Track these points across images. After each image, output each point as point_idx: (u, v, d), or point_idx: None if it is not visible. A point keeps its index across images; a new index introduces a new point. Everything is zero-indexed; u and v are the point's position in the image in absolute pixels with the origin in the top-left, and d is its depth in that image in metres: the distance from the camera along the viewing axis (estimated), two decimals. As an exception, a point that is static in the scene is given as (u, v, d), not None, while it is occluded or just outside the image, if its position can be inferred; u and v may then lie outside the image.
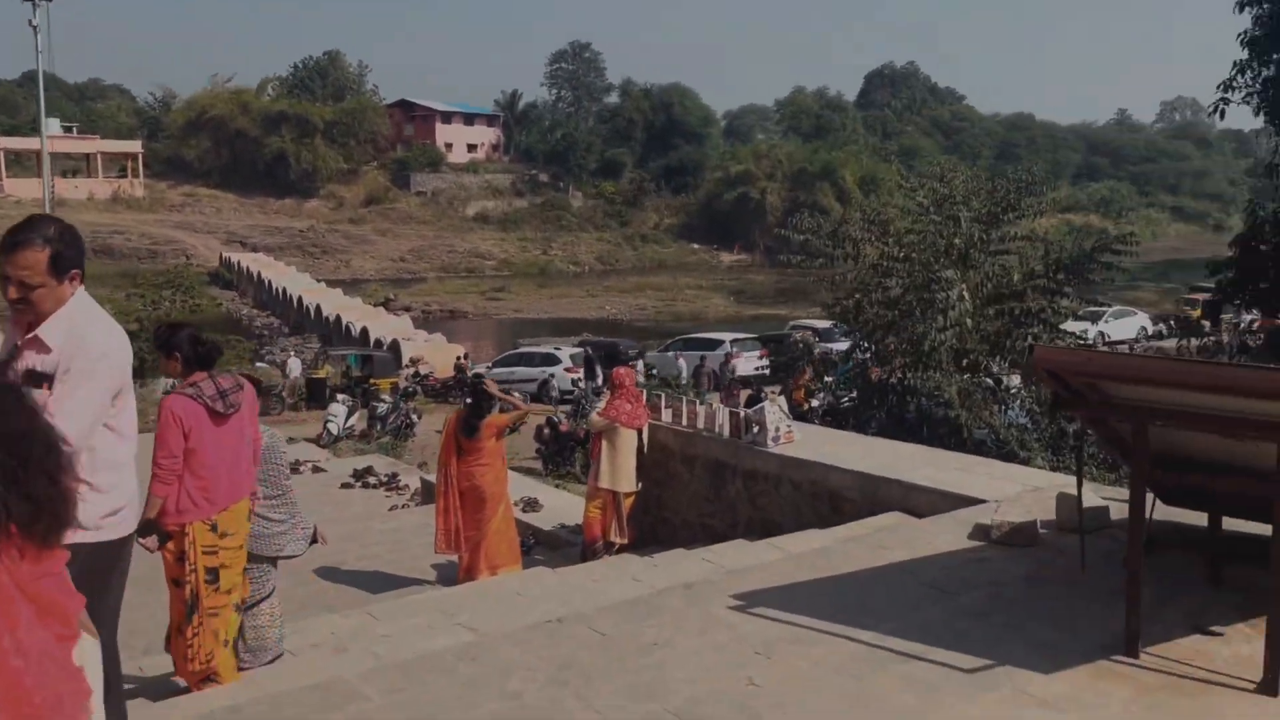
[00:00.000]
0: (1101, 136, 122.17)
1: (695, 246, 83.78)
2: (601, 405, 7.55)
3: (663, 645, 3.88)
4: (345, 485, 12.35)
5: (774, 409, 6.99)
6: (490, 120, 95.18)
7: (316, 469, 13.56)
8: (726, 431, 7.30)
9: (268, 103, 79.52)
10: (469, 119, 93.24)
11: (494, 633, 4.55)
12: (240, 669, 5.01)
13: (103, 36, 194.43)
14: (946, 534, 5.01)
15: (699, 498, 7.52)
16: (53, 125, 77.15)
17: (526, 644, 3.97)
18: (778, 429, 6.94)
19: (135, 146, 76.08)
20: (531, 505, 9.78)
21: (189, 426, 4.65)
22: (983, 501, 5.52)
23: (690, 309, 55.39)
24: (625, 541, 7.43)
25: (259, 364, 32.52)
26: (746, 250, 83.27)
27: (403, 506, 11.08)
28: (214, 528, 4.74)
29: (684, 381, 23.88)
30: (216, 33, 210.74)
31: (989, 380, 11.93)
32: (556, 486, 12.48)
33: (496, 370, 27.93)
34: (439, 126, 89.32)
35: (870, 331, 12.67)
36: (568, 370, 26.59)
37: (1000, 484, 5.91)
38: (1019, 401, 12.12)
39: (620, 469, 7.35)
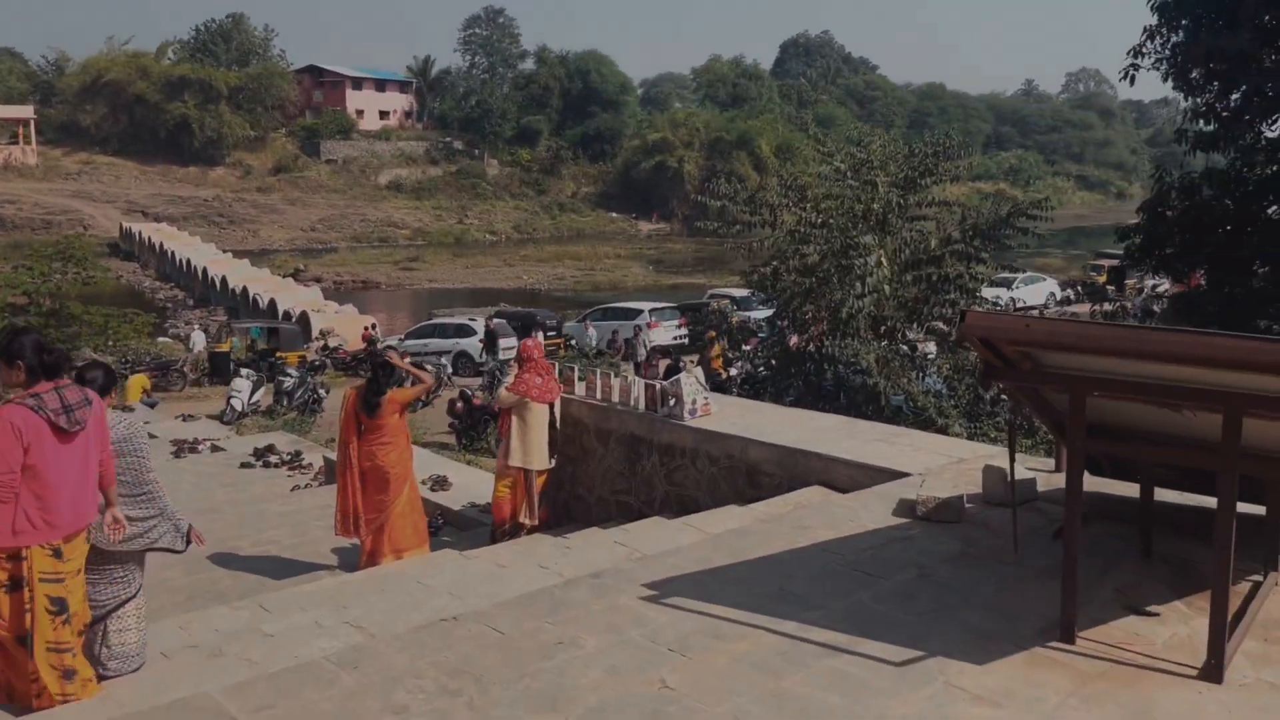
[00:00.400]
0: (1010, 106, 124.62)
1: (613, 215, 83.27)
2: (510, 379, 7.14)
3: (567, 644, 3.54)
4: (245, 465, 11.73)
5: (690, 380, 6.67)
6: (402, 87, 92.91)
7: (215, 448, 12.89)
8: (642, 404, 6.97)
9: (168, 67, 76.23)
10: (380, 85, 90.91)
11: (384, 634, 4.17)
12: (102, 678, 4.53)
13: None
14: (870, 511, 4.76)
15: (614, 474, 7.19)
16: (-68, 88, 73.38)
17: (418, 647, 3.58)
18: (694, 401, 6.63)
19: (27, 112, 72.29)
20: (440, 484, 9.34)
21: (29, 440, 4.20)
22: (906, 475, 5.29)
23: (609, 278, 54.95)
24: (535, 523, 7.06)
25: (161, 338, 31.17)
26: (665, 219, 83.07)
27: (305, 486, 10.53)
28: (57, 553, 4.28)
29: (596, 351, 23.46)
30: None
31: (906, 347, 11.83)
32: (468, 463, 12.04)
33: (410, 342, 27.18)
34: (349, 93, 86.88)
35: (788, 299, 12.47)
36: (482, 341, 26.00)
37: (923, 456, 5.69)
38: (935, 369, 12.07)
39: (531, 446, 6.95)
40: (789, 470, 5.89)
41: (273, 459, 11.85)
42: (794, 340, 12.11)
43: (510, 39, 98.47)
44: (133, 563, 5.03)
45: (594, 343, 26.26)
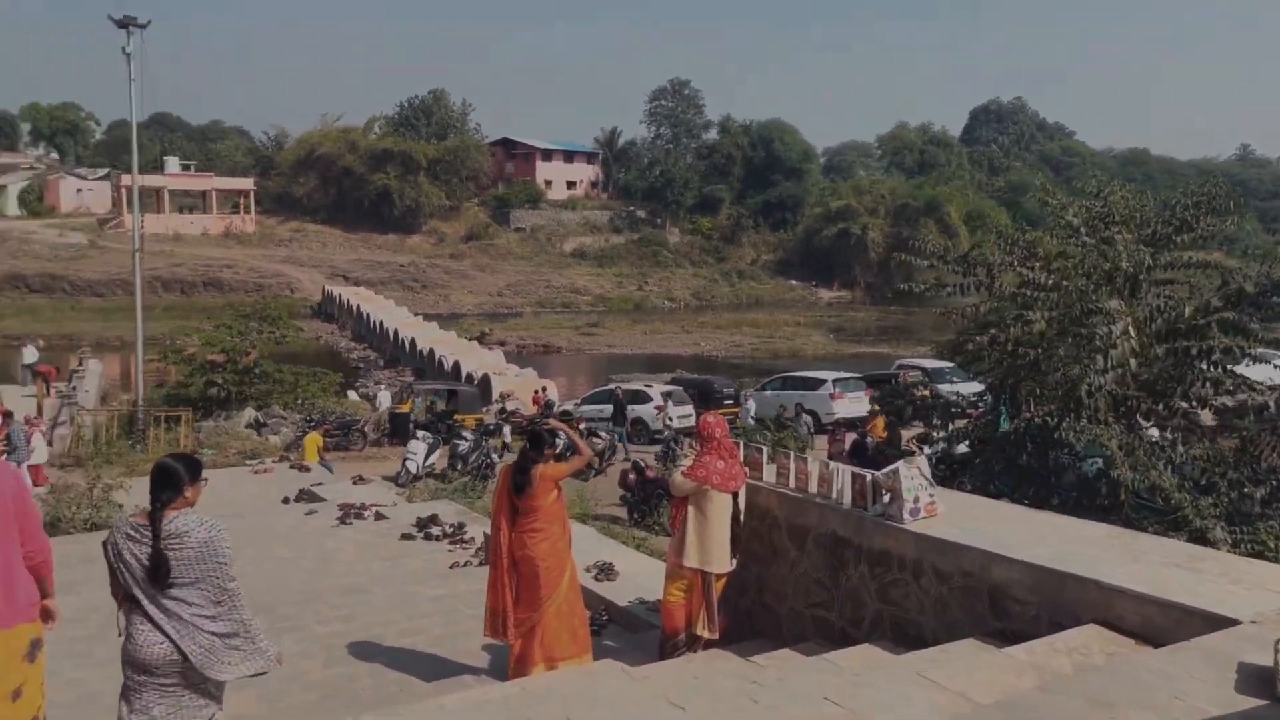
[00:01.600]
0: (1223, 171, 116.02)
1: (793, 283, 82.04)
2: (687, 462, 6.03)
3: None
4: (405, 536, 11.08)
5: (912, 472, 5.39)
6: (589, 157, 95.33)
7: (380, 515, 12.36)
8: (848, 498, 5.72)
9: (374, 141, 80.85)
10: (569, 156, 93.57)
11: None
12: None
13: (224, 81, 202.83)
14: (1197, 680, 3.35)
15: (810, 582, 5.93)
16: (172, 164, 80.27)
17: None
18: (916, 499, 5.34)
19: (247, 183, 78.07)
20: (605, 572, 8.31)
21: None
22: (1234, 622, 3.83)
23: (788, 346, 53.51)
24: (714, 636, 5.88)
25: (351, 394, 31.88)
26: (846, 287, 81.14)
27: (464, 565, 9.72)
28: None
29: (777, 423, 22.04)
30: (329, 74, 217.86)
31: (1153, 432, 10.03)
32: (638, 546, 10.96)
33: (585, 408, 26.67)
34: (539, 164, 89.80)
35: (1005, 373, 10.88)
36: (659, 409, 25.10)
37: (1246, 592, 4.20)
38: (1183, 457, 10.18)
39: (711, 544, 5.81)
40: (1049, 598, 4.51)
41: (434, 530, 11.17)
42: (1019, 421, 10.50)
43: (695, 109, 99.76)
44: (201, 693, 4.18)
45: (751, 416, 24.89)
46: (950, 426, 11.68)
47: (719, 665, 5.53)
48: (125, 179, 74.49)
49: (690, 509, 5.86)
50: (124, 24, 22.10)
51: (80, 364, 31.75)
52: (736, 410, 26.83)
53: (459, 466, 19.85)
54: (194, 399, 25.45)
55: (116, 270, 56.88)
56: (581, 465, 6.43)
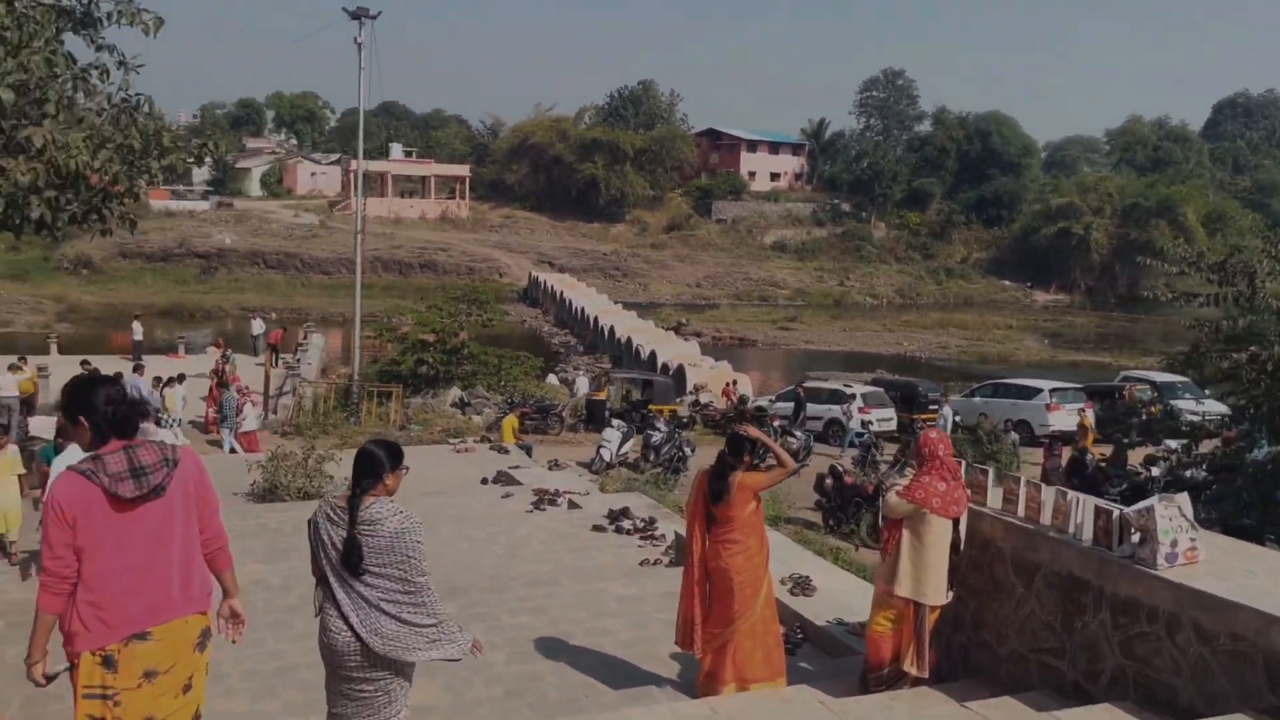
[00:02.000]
0: None
1: (1006, 283, 78.08)
2: (903, 481, 5.51)
3: None
4: (597, 527, 10.97)
5: (1171, 511, 4.67)
6: (795, 149, 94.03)
7: (573, 504, 12.32)
8: (1088, 534, 5.05)
9: (583, 130, 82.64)
10: (774, 148, 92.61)
11: None
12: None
13: (447, 71, 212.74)
14: None
15: (1038, 624, 5.29)
16: (396, 150, 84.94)
17: None
18: (1174, 542, 4.62)
19: (463, 170, 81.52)
20: (801, 586, 7.86)
21: (73, 516, 3.37)
22: None
23: (998, 350, 50.86)
24: (923, 675, 5.34)
25: (551, 377, 32.57)
26: (1064, 289, 76.50)
27: (654, 562, 9.49)
28: (107, 662, 3.40)
29: (990, 435, 20.67)
30: (544, 65, 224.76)
31: None
32: (836, 558, 10.43)
33: (779, 404, 26.11)
34: (744, 155, 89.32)
35: (1262, 396, 9.67)
36: (860, 410, 24.22)
37: None
38: None
39: (926, 572, 5.28)
40: (1348, 678, 3.76)
41: (625, 524, 11.00)
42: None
43: (908, 100, 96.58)
44: (390, 678, 4.07)
45: (946, 424, 23.41)
46: (1194, 450, 10.50)
47: (930, 708, 5.02)
48: (354, 164, 79.68)
49: (905, 533, 5.34)
50: (356, 15, 23.27)
51: (305, 338, 33.94)
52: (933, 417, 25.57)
53: (651, 457, 19.82)
54: (405, 376, 26.61)
55: (342, 250, 60.49)
56: (783, 478, 6.00)
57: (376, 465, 4.08)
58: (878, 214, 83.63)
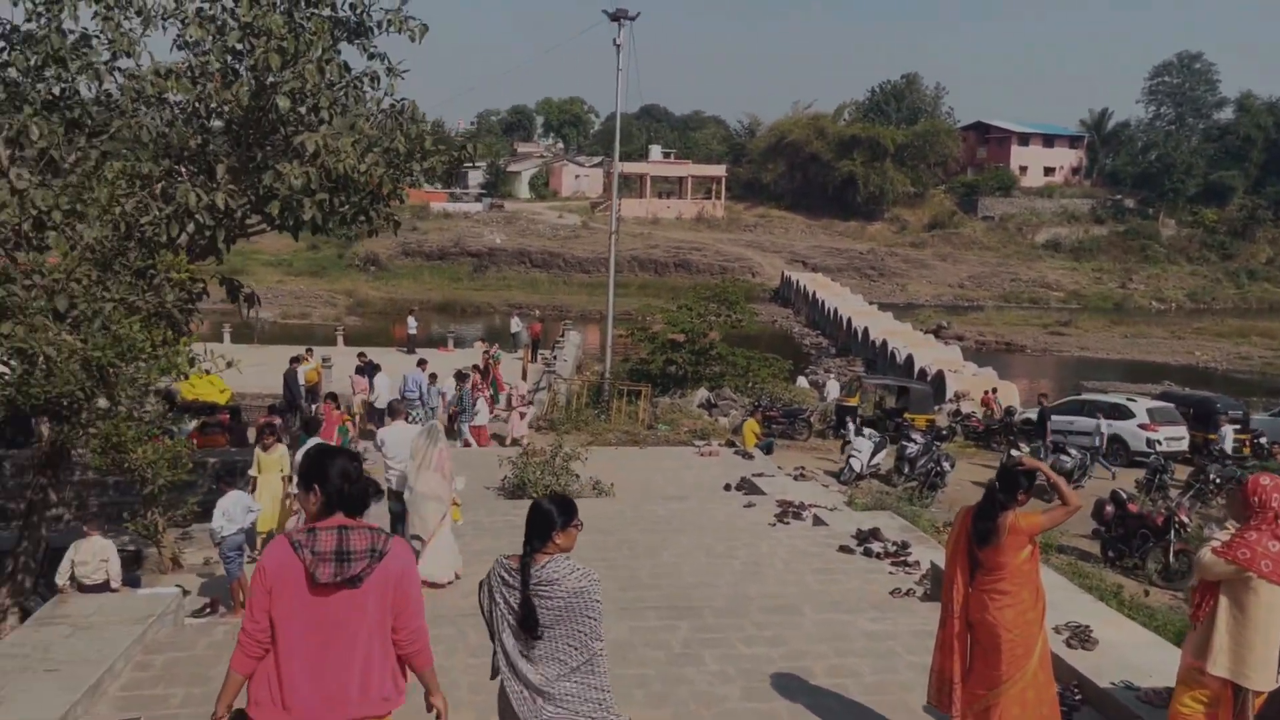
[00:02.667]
0: None
1: (1324, 289, 69.10)
2: (1222, 535, 4.53)
3: None
4: (844, 548, 10.26)
5: None
6: (1073, 141, 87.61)
7: (818, 520, 11.67)
8: None
9: (842, 128, 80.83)
10: (1048, 140, 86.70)
11: None
12: None
13: (706, 72, 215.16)
14: None
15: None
16: (654, 152, 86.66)
17: None
18: None
19: (719, 170, 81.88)
20: (1080, 637, 6.84)
21: (271, 585, 3.31)
22: None
23: (1315, 363, 44.98)
24: (1247, 775, 4.36)
25: (799, 380, 31.83)
26: (1401, 297, 66.73)
27: (907, 593, 8.69)
28: None
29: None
30: (804, 62, 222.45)
31: None
32: (1118, 604, 9.17)
33: (1053, 419, 24.00)
34: (1014, 149, 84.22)
35: None
36: (1143, 427, 21.85)
37: None
38: None
39: (1249, 650, 4.29)
40: None
41: (875, 547, 10.22)
42: None
43: (1206, 85, 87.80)
44: None
45: (1226, 444, 20.83)
46: None
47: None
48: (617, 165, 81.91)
49: (1223, 600, 4.38)
50: (615, 17, 23.55)
51: (562, 335, 35.01)
52: (1244, 437, 22.64)
53: (905, 470, 18.72)
54: (654, 375, 26.76)
55: (602, 250, 62.19)
56: (1065, 518, 5.14)
57: (546, 523, 3.81)
58: (1167, 210, 76.32)
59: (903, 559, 9.84)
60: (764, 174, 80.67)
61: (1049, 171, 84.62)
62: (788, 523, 11.77)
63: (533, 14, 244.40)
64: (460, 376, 20.14)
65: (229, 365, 9.93)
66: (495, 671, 3.91)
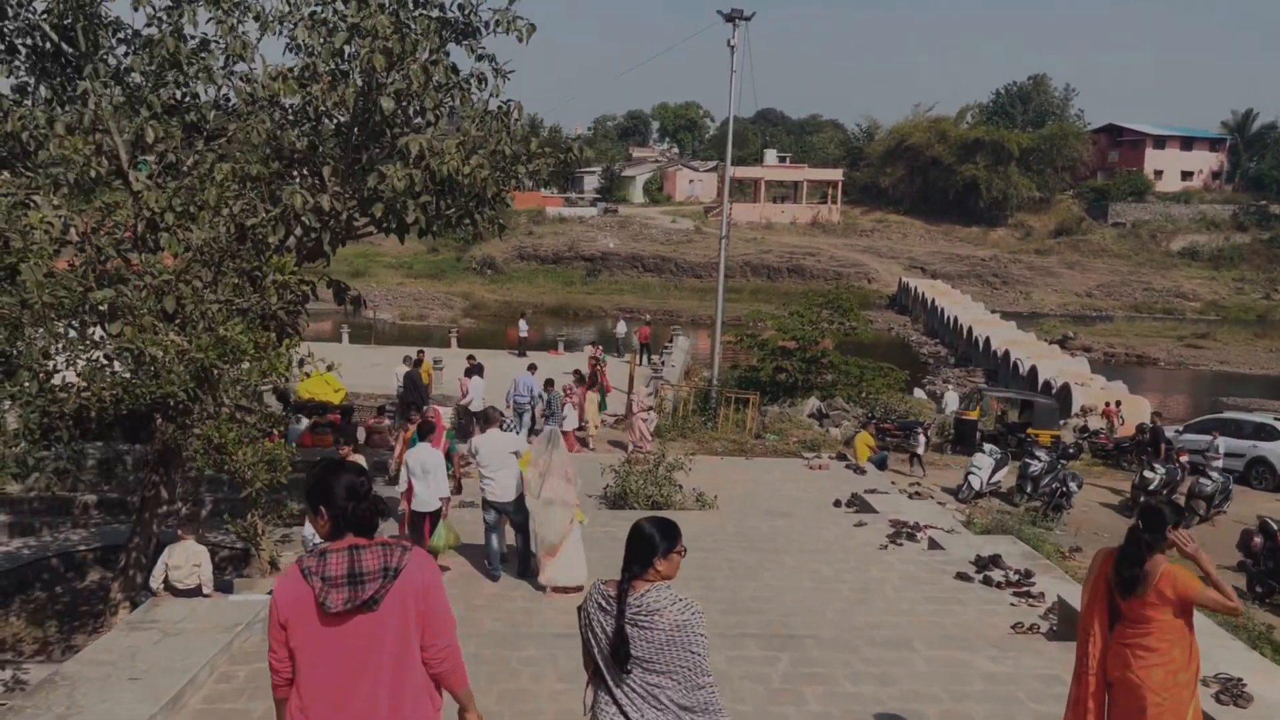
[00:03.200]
0: None
1: None
2: None
3: None
4: (961, 575, 9.61)
5: None
6: (1213, 144, 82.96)
7: (933, 543, 11.00)
8: None
9: (965, 131, 78.34)
10: (1186, 143, 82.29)
11: None
12: None
13: (824, 75, 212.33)
14: None
15: None
16: (770, 156, 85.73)
17: None
18: None
19: (836, 174, 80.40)
20: (1232, 692, 6.10)
21: (286, 618, 3.11)
22: None
23: None
24: None
25: (916, 391, 30.76)
26: None
27: (1030, 628, 8.03)
28: None
29: None
30: (924, 64, 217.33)
31: None
32: (1273, 651, 8.30)
33: (1187, 437, 22.52)
34: (1149, 152, 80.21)
35: None
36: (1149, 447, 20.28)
37: None
38: None
39: None
40: None
41: (995, 575, 9.54)
42: None
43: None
44: None
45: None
46: None
47: None
48: (733, 170, 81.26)
49: None
50: (730, 17, 23.11)
51: (671, 340, 34.68)
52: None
53: (1028, 489, 17.74)
54: (763, 382, 26.17)
55: (713, 254, 61.51)
56: (1221, 608, 4.43)
57: (647, 548, 3.46)
58: (1316, 217, 71.58)
59: (1026, 590, 9.14)
60: (882, 178, 78.77)
61: (1186, 176, 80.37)
62: (901, 544, 11.14)
63: (649, 17, 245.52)
64: (548, 384, 19.88)
65: (330, 368, 9.94)
66: (587, 709, 3.58)
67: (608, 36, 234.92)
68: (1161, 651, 4.31)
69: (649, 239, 70.89)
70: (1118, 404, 26.32)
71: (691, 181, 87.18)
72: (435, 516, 9.52)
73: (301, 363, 9.45)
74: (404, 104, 10.04)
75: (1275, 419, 22.21)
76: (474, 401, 20.17)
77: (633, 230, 72.12)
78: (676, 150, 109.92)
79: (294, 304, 10.05)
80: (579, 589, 8.62)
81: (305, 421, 18.06)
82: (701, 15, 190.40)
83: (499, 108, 11.31)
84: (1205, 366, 45.77)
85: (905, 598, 8.83)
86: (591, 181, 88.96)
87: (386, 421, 17.96)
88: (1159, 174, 78.94)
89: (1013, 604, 8.77)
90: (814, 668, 6.73)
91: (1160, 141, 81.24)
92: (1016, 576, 9.47)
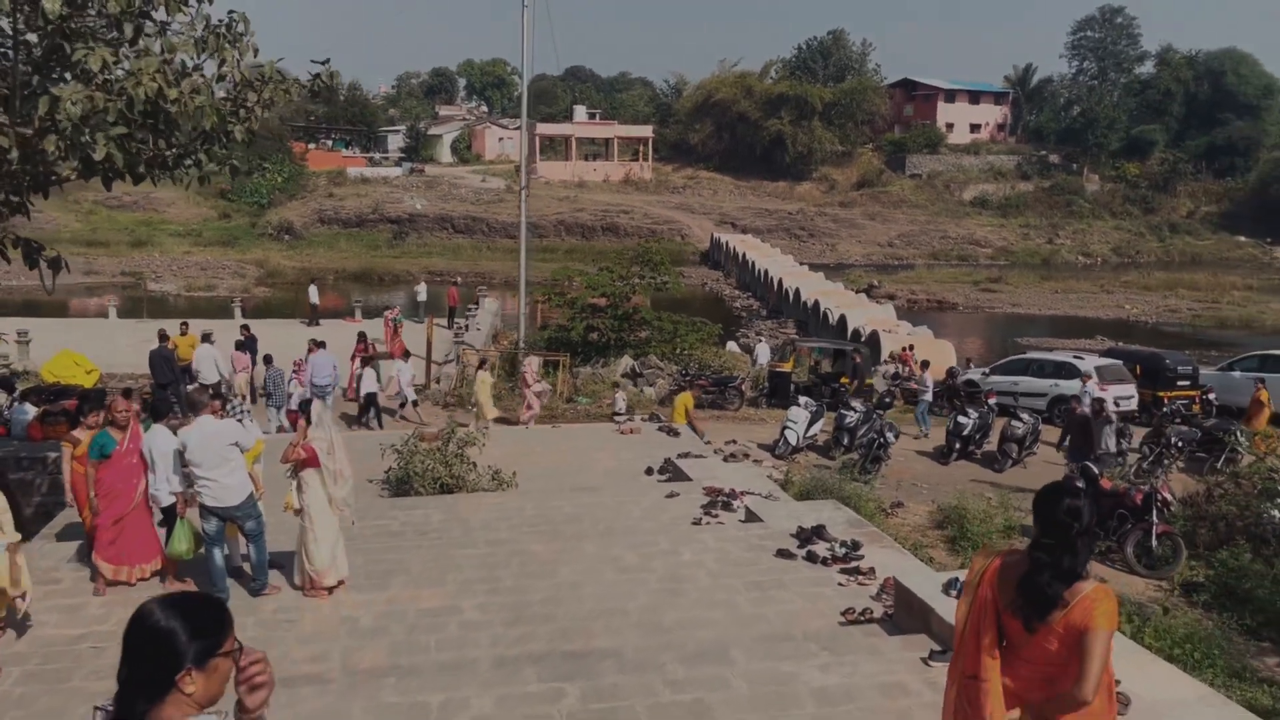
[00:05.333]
0: None
1: (1241, 239, 70.02)
2: None
3: None
4: (782, 552, 8.49)
5: None
6: (998, 98, 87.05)
7: (751, 515, 9.87)
8: None
9: (769, 86, 78.92)
10: (974, 97, 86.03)
11: None
12: None
13: (633, 33, 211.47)
14: None
15: None
16: (579, 113, 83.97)
17: None
18: None
19: (646, 132, 79.48)
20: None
21: None
22: None
23: (1239, 314, 44.87)
24: None
25: (729, 344, 30.12)
26: (1315, 246, 67.51)
27: (863, 615, 6.93)
28: None
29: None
30: (731, 20, 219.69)
31: None
32: (1139, 628, 7.56)
33: (995, 378, 22.70)
34: (941, 106, 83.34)
35: None
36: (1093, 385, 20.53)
37: None
38: None
39: None
40: None
41: (820, 550, 8.47)
42: None
43: (1128, 40, 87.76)
44: None
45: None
46: None
47: None
48: (540, 128, 79.02)
49: None
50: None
51: (477, 303, 32.76)
52: (1193, 394, 21.58)
53: (845, 441, 17.13)
54: (575, 342, 24.80)
55: (527, 214, 59.95)
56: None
57: (165, 658, 1.90)
58: (1091, 165, 76.24)
59: (854, 565, 8.11)
60: (691, 135, 78.47)
61: (975, 128, 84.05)
62: (716, 515, 9.98)
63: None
64: (267, 359, 17.68)
65: (21, 339, 7.80)
66: None
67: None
68: (1075, 699, 3.12)
69: (458, 199, 68.03)
70: (911, 348, 26.28)
71: (501, 140, 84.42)
72: (171, 516, 7.67)
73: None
74: (77, 9, 7.88)
75: (1074, 357, 22.62)
76: (203, 374, 17.59)
77: (441, 190, 69.05)
78: (485, 108, 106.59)
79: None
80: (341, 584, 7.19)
81: (33, 410, 15.26)
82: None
83: (221, 21, 9.23)
84: (999, 309, 47.66)
85: (721, 586, 7.60)
86: (396, 140, 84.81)
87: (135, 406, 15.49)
88: (950, 127, 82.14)
89: (840, 584, 7.69)
90: (608, 701, 5.30)
91: (950, 96, 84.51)
92: (843, 550, 8.42)
